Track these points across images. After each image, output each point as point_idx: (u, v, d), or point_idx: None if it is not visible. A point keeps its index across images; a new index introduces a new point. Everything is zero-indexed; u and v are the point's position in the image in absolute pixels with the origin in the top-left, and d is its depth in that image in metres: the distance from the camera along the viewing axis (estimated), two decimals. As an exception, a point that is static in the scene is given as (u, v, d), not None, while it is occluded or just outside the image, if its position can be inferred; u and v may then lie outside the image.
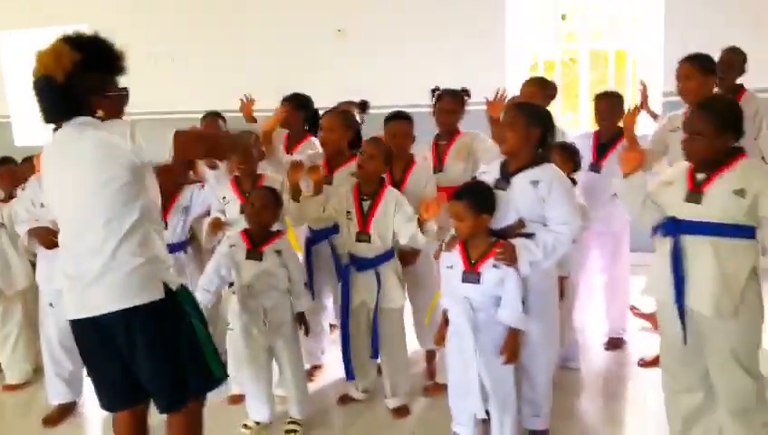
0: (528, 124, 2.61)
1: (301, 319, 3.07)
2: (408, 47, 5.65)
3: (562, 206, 2.58)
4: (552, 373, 2.88)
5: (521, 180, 2.62)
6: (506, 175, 2.66)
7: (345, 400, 3.33)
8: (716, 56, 3.51)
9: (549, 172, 2.63)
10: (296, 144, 4.03)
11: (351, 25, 5.88)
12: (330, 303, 3.61)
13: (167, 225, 3.40)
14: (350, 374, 3.19)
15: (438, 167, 3.54)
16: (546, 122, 2.67)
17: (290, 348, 3.02)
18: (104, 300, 2.07)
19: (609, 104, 3.63)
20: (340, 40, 5.92)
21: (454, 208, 2.57)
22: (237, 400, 3.28)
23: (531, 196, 2.59)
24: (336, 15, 5.92)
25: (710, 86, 3.22)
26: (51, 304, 3.24)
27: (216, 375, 2.26)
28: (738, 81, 3.84)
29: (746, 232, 2.27)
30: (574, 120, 6.02)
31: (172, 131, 2.09)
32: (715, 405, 2.43)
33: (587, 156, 3.61)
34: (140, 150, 2.05)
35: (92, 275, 2.07)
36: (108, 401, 2.29)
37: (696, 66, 3.20)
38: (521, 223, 2.61)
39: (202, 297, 2.96)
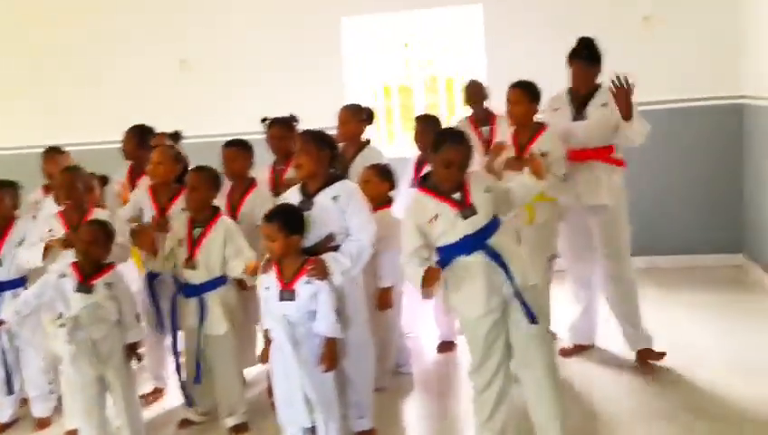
0: (318, 148, 2.86)
1: (131, 349, 3.11)
2: (251, 77, 5.84)
3: (359, 214, 2.85)
4: (376, 376, 3.11)
5: (322, 199, 2.85)
6: (308, 196, 2.89)
7: (184, 424, 3.38)
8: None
9: (345, 187, 2.90)
10: (140, 175, 4.06)
11: (194, 56, 5.98)
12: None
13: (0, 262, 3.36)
14: (188, 400, 3.30)
15: (275, 191, 3.71)
16: (333, 144, 2.95)
17: (120, 378, 3.05)
18: None
19: (424, 126, 3.93)
20: (183, 71, 6.01)
21: (265, 230, 2.75)
22: (74, 433, 3.24)
23: (334, 210, 2.83)
24: (179, 46, 6.00)
25: (534, 110, 3.51)
26: None
27: None
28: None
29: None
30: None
31: None
32: (510, 384, 2.71)
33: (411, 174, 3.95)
34: None
35: None
36: None
37: (523, 92, 3.48)
38: (329, 238, 2.83)
39: (11, 317, 3.08)
